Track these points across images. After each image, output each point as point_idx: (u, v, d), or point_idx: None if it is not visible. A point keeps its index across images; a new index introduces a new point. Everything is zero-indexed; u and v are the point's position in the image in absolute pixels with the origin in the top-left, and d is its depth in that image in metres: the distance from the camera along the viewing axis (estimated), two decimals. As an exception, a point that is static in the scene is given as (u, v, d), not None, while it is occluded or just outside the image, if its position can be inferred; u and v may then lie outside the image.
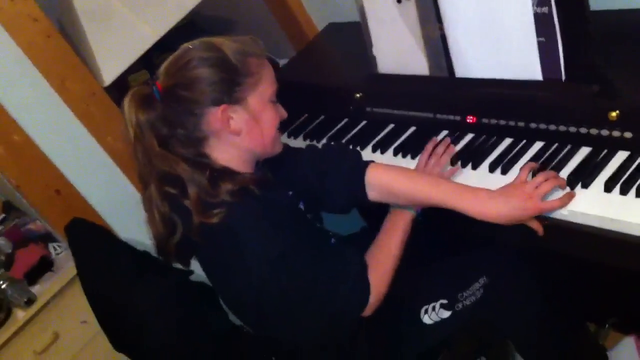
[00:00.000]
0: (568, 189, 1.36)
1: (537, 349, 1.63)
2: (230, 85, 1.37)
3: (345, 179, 1.49)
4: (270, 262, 1.35)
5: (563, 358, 1.63)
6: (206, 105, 1.37)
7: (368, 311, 1.42)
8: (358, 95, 1.91)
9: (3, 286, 2.09)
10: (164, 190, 1.36)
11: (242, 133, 1.40)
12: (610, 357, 1.79)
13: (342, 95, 1.98)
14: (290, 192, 1.54)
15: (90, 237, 1.67)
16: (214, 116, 1.37)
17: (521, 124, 1.54)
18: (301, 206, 1.56)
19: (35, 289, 2.14)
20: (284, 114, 1.50)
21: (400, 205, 1.53)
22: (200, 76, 1.35)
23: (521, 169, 1.41)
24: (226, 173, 1.38)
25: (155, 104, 1.39)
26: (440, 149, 1.63)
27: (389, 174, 1.46)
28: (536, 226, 1.35)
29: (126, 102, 1.39)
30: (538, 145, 1.51)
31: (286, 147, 1.57)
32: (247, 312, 1.48)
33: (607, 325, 1.91)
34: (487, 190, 1.36)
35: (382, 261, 1.47)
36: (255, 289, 1.38)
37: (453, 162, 1.60)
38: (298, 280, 1.38)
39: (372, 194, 1.47)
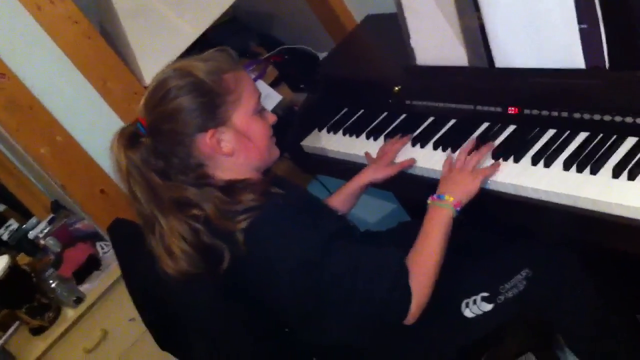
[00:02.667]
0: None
1: (588, 343, 1.59)
2: (212, 109, 1.37)
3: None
4: (312, 256, 1.33)
5: (615, 352, 1.58)
6: (193, 133, 1.37)
7: (411, 318, 1.36)
8: (397, 88, 1.89)
9: (53, 285, 2.14)
10: (189, 215, 1.35)
11: (235, 152, 1.41)
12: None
13: (380, 88, 1.96)
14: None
15: (133, 236, 1.68)
16: (204, 142, 1.38)
17: (564, 114, 1.49)
18: None
19: (84, 288, 2.18)
20: (272, 119, 1.50)
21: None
22: (180, 106, 1.36)
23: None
24: (237, 185, 1.38)
25: (143, 141, 1.39)
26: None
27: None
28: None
29: (114, 145, 1.39)
30: (582, 136, 1.46)
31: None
32: (287, 311, 1.47)
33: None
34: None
35: (424, 264, 1.40)
36: (295, 288, 1.36)
37: (494, 156, 1.56)
38: (337, 276, 1.34)
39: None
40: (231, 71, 1.41)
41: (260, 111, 1.46)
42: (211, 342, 1.54)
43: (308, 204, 1.45)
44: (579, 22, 1.39)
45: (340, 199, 1.80)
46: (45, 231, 2.29)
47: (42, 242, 2.28)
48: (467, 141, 1.65)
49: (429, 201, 1.50)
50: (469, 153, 1.58)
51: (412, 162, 1.72)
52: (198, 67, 1.38)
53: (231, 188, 1.38)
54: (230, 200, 1.34)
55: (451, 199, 1.46)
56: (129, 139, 1.39)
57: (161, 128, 1.38)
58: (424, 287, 1.37)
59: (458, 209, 1.47)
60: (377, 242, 1.69)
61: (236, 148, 1.41)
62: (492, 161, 1.55)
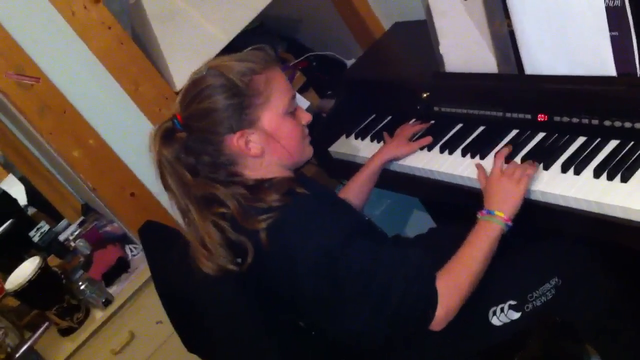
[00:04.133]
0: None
1: (618, 351, 1.58)
2: (241, 110, 1.39)
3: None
4: (330, 252, 1.33)
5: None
6: (222, 133, 1.40)
7: (437, 325, 1.35)
8: (425, 94, 1.89)
9: (82, 287, 2.17)
10: (214, 212, 1.37)
11: (264, 153, 1.43)
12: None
13: (409, 94, 1.96)
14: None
15: (163, 239, 1.70)
16: (232, 143, 1.40)
17: (595, 121, 1.48)
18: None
19: (113, 290, 2.21)
20: (306, 118, 1.50)
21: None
22: (211, 106, 1.38)
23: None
24: (264, 185, 1.40)
25: (178, 136, 1.42)
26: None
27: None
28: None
29: (151, 140, 1.43)
30: (613, 143, 1.45)
31: None
32: (310, 311, 1.47)
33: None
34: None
35: (458, 272, 1.39)
36: (315, 279, 1.36)
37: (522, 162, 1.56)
38: (356, 268, 1.33)
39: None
40: (264, 72, 1.42)
41: (292, 111, 1.46)
42: (235, 342, 1.55)
43: (333, 204, 1.46)
44: (610, 29, 1.38)
45: (361, 179, 1.84)
46: (76, 233, 2.32)
47: (72, 244, 2.32)
48: (503, 146, 1.63)
49: (478, 216, 1.48)
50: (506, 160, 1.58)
51: (429, 140, 1.83)
52: (232, 67, 1.40)
53: (258, 187, 1.40)
54: (254, 198, 1.37)
55: (502, 214, 1.44)
56: (164, 134, 1.42)
57: (193, 125, 1.41)
58: (453, 296, 1.36)
59: (510, 224, 1.45)
60: (405, 245, 1.68)
61: (265, 149, 1.43)
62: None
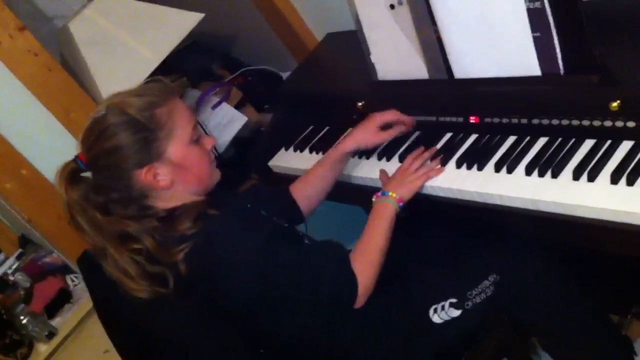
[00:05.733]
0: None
1: (561, 344, 1.62)
2: (146, 145, 1.39)
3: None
4: (253, 261, 1.38)
5: (588, 351, 1.60)
6: (130, 169, 1.40)
7: (359, 302, 1.42)
8: (360, 103, 1.91)
9: (24, 321, 2.12)
10: (129, 249, 1.38)
11: (174, 183, 1.44)
12: (635, 347, 1.76)
13: (345, 104, 1.97)
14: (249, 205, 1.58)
15: (102, 267, 1.67)
16: (141, 177, 1.41)
17: (524, 120, 1.52)
18: (263, 212, 1.59)
19: (56, 322, 2.16)
20: (210, 143, 1.52)
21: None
22: (115, 144, 1.38)
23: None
24: (174, 214, 1.41)
25: (84, 176, 1.43)
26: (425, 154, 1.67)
27: (299, 184, 1.74)
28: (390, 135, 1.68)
29: (56, 182, 1.43)
30: (542, 140, 1.49)
31: None
32: (250, 318, 1.49)
33: (629, 316, 1.88)
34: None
35: (367, 252, 1.47)
36: (248, 293, 1.41)
37: (458, 165, 1.59)
38: (283, 273, 1.40)
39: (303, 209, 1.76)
40: (164, 104, 1.42)
41: (196, 139, 1.47)
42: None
43: (246, 217, 1.49)
44: (533, 30, 1.42)
45: (322, 170, 1.76)
46: (14, 267, 2.26)
47: (11, 277, 2.25)
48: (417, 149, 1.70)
49: (373, 198, 1.58)
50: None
51: (410, 124, 1.75)
52: (131, 103, 1.40)
53: (170, 216, 1.41)
54: (167, 228, 1.38)
55: (394, 194, 1.55)
56: (69, 175, 1.43)
57: (99, 164, 1.42)
58: (368, 273, 1.44)
59: (401, 204, 1.54)
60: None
61: (174, 179, 1.44)
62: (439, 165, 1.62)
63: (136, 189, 1.42)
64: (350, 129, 1.79)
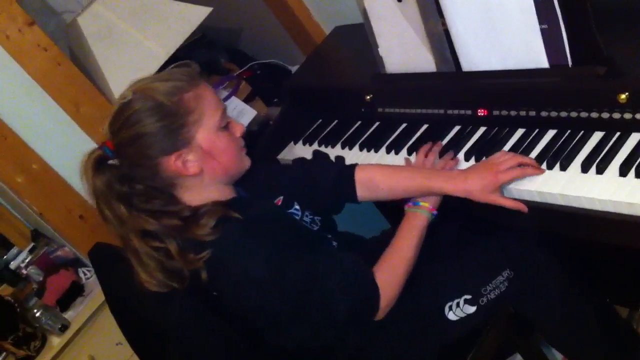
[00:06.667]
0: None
1: (569, 338, 1.62)
2: (174, 131, 1.36)
3: (336, 177, 1.59)
4: (266, 276, 1.35)
5: (596, 344, 1.60)
6: (157, 156, 1.36)
7: (380, 315, 1.42)
8: (368, 97, 1.90)
9: (37, 314, 2.14)
10: (151, 246, 1.36)
11: (203, 171, 1.41)
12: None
13: (353, 98, 1.97)
14: (281, 197, 1.56)
15: (114, 260, 1.67)
16: (169, 164, 1.37)
17: (532, 113, 1.52)
18: (296, 207, 1.58)
19: (68, 315, 2.18)
20: (239, 130, 1.48)
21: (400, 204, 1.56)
22: (141, 131, 1.35)
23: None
24: (197, 214, 1.37)
25: (110, 163, 1.40)
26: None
27: (372, 169, 1.60)
28: (511, 204, 1.40)
29: (81, 169, 1.39)
30: (551, 133, 1.49)
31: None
32: (266, 329, 1.47)
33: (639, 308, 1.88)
34: (459, 171, 1.51)
35: (394, 263, 1.46)
36: (262, 305, 1.39)
37: (467, 158, 1.59)
38: (296, 287, 1.36)
39: (360, 191, 1.58)
40: (192, 89, 1.39)
41: (225, 125, 1.44)
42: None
43: (266, 225, 1.43)
44: (540, 22, 1.42)
45: (402, 185, 1.56)
46: (27, 260, 2.28)
47: (24, 271, 2.27)
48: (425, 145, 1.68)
49: (405, 208, 1.55)
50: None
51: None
52: (158, 89, 1.36)
53: (193, 216, 1.37)
54: (187, 231, 1.35)
55: (426, 204, 1.52)
56: (95, 162, 1.38)
57: (125, 152, 1.39)
58: (392, 286, 1.43)
59: (434, 212, 1.52)
60: (351, 246, 1.68)
61: (203, 166, 1.40)
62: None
63: (163, 178, 1.39)
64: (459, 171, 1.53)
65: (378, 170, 1.59)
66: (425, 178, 1.50)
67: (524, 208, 1.39)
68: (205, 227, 1.34)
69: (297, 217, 1.57)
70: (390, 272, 1.44)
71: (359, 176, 1.58)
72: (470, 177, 1.43)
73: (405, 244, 1.48)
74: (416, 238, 1.49)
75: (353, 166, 1.60)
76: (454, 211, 1.58)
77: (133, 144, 1.37)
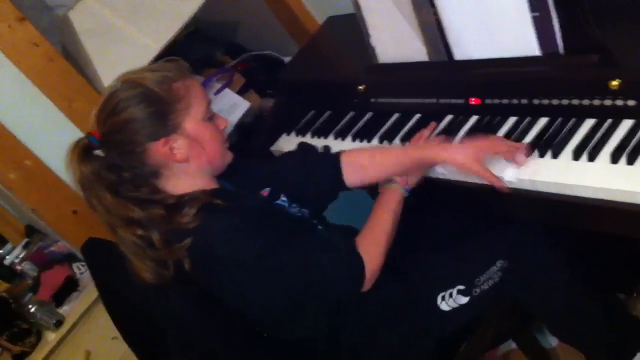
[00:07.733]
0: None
1: (569, 325, 1.63)
2: (162, 117, 1.38)
3: (324, 164, 1.62)
4: (257, 263, 1.35)
5: (599, 332, 1.61)
6: (145, 142, 1.38)
7: (367, 284, 1.42)
8: (361, 87, 1.90)
9: (32, 310, 2.14)
10: (135, 234, 1.37)
11: (188, 158, 1.42)
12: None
13: (345, 88, 1.96)
14: (268, 189, 1.57)
15: (107, 255, 1.67)
16: (156, 150, 1.39)
17: (524, 101, 1.52)
18: (283, 198, 1.59)
19: (63, 310, 2.18)
20: (223, 123, 1.51)
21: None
22: (130, 117, 1.37)
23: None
24: (181, 202, 1.39)
25: (96, 153, 1.41)
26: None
27: (356, 151, 1.64)
28: (489, 176, 1.40)
29: (67, 158, 1.41)
30: (543, 120, 1.49)
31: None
32: (258, 318, 1.48)
33: (635, 294, 1.88)
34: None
35: (374, 236, 1.48)
36: (255, 293, 1.39)
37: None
38: (290, 271, 1.38)
39: (348, 175, 1.60)
40: (180, 79, 1.42)
41: (210, 117, 1.47)
42: (188, 350, 1.54)
43: (252, 215, 1.44)
44: (531, 10, 1.41)
45: (388, 162, 1.59)
46: (21, 256, 2.28)
47: (18, 267, 2.28)
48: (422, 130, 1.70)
49: (379, 189, 1.58)
50: None
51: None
52: (147, 77, 1.39)
53: (177, 204, 1.39)
54: (171, 220, 1.36)
55: (399, 179, 1.56)
56: (81, 151, 1.40)
57: (113, 139, 1.39)
58: (374, 254, 1.44)
59: (407, 188, 1.56)
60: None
61: (189, 154, 1.42)
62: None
63: (149, 165, 1.40)
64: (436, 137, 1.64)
65: (362, 151, 1.68)
66: (406, 149, 1.61)
67: (504, 186, 1.41)
68: (188, 215, 1.36)
69: (284, 206, 1.58)
70: (372, 244, 1.45)
71: (345, 160, 1.61)
72: (453, 146, 1.51)
73: (383, 216, 1.51)
74: (392, 211, 1.51)
75: (339, 153, 1.63)
76: (448, 204, 1.58)
77: (121, 130, 1.38)
